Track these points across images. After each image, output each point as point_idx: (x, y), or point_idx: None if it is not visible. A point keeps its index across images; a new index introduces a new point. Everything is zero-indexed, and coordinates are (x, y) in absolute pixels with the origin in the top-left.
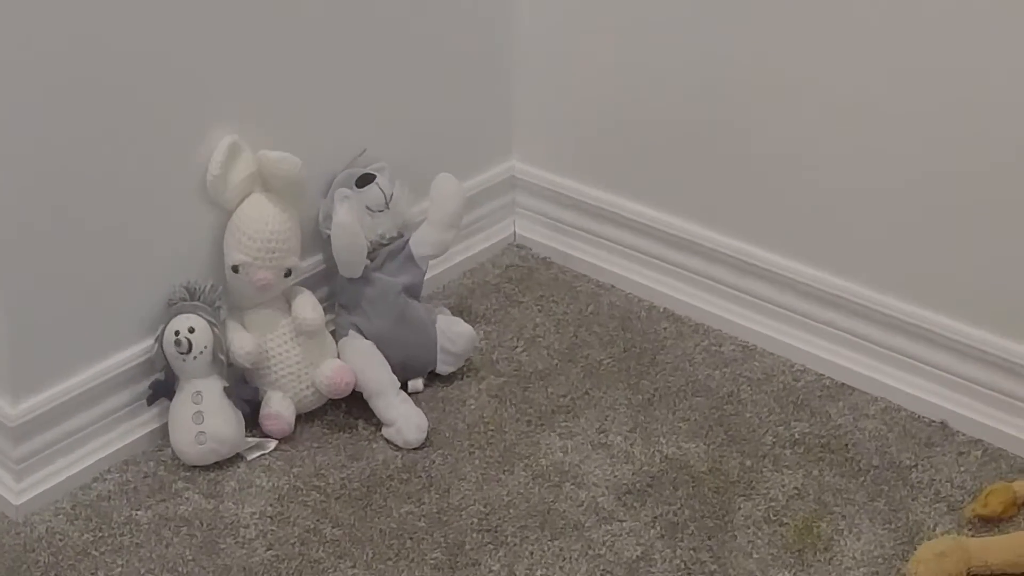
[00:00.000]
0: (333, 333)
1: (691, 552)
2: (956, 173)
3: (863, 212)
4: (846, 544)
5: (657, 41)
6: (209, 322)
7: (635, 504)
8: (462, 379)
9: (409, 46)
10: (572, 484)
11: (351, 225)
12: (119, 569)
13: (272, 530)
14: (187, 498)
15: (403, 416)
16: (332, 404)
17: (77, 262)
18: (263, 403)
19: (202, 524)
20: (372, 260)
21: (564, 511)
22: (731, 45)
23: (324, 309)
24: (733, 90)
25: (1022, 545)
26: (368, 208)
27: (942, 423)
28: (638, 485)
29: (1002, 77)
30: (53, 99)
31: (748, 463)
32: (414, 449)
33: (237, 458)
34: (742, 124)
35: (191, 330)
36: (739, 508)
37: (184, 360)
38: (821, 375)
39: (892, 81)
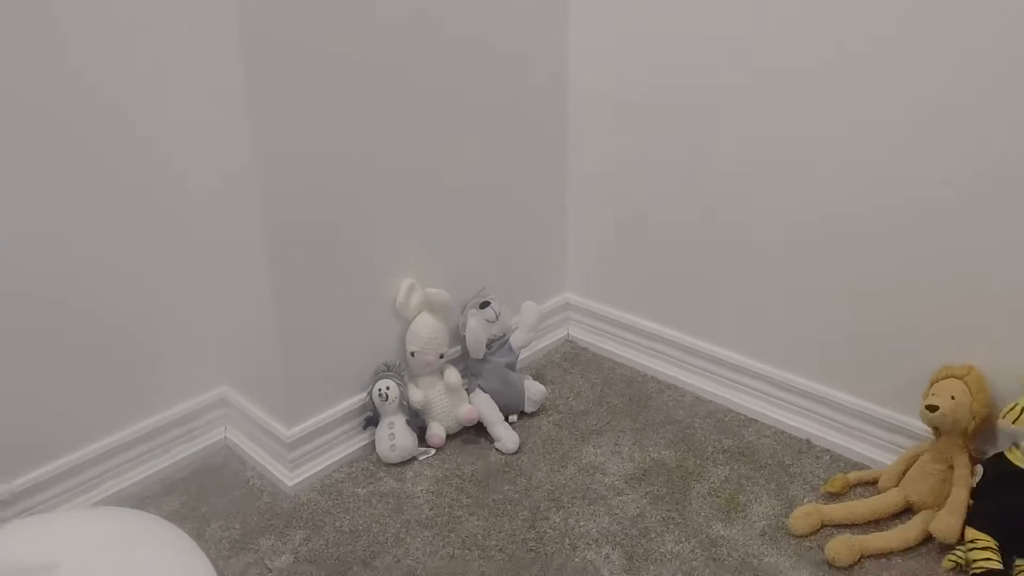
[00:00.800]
0: (467, 390)
1: (666, 512)
2: (817, 294)
3: (763, 318)
4: (753, 508)
5: (655, 230)
6: (397, 383)
7: (636, 485)
8: (539, 415)
9: (507, 224)
10: (600, 474)
11: (477, 330)
12: (347, 522)
13: (432, 499)
14: (385, 482)
15: (506, 436)
16: (466, 429)
17: (325, 347)
18: (427, 428)
19: (393, 496)
20: (489, 349)
21: (595, 489)
22: (701, 229)
23: (461, 375)
24: (694, 259)
25: (852, 509)
26: (486, 320)
27: (807, 440)
28: (637, 474)
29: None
30: (324, 261)
31: (698, 462)
32: (511, 454)
33: (413, 459)
34: (699, 276)
35: (388, 387)
36: (693, 488)
37: (384, 404)
38: (739, 413)
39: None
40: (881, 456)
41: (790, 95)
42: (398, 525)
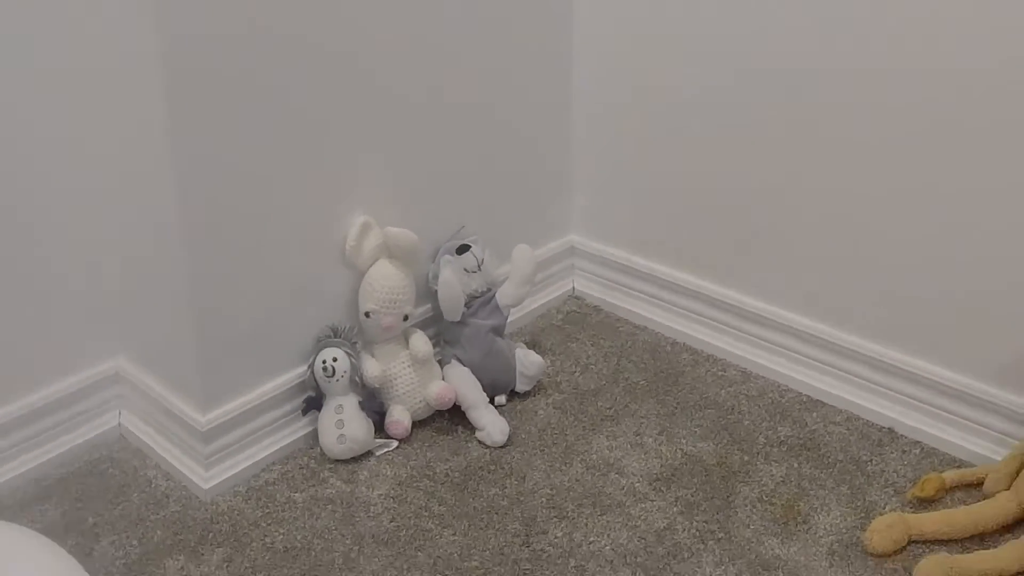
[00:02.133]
0: (439, 362)
1: (703, 524)
2: (894, 244)
3: (832, 275)
4: (819, 519)
5: (683, 150)
6: (348, 353)
7: (662, 488)
8: (534, 396)
9: (495, 145)
10: (616, 473)
11: (453, 283)
12: (281, 536)
13: (394, 507)
14: (331, 484)
15: (491, 423)
16: (439, 414)
17: (251, 309)
18: (387, 413)
19: (342, 503)
20: (468, 308)
21: (610, 493)
22: (740, 156)
23: (432, 344)
24: (738, 188)
25: (949, 520)
26: (465, 270)
27: (890, 429)
28: (664, 474)
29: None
30: (242, 189)
31: (746, 458)
32: (499, 447)
33: (368, 454)
34: (744, 212)
35: (335, 359)
36: (739, 491)
37: (329, 382)
38: (799, 393)
39: (863, 172)
40: (987, 450)
41: None
42: (349, 542)
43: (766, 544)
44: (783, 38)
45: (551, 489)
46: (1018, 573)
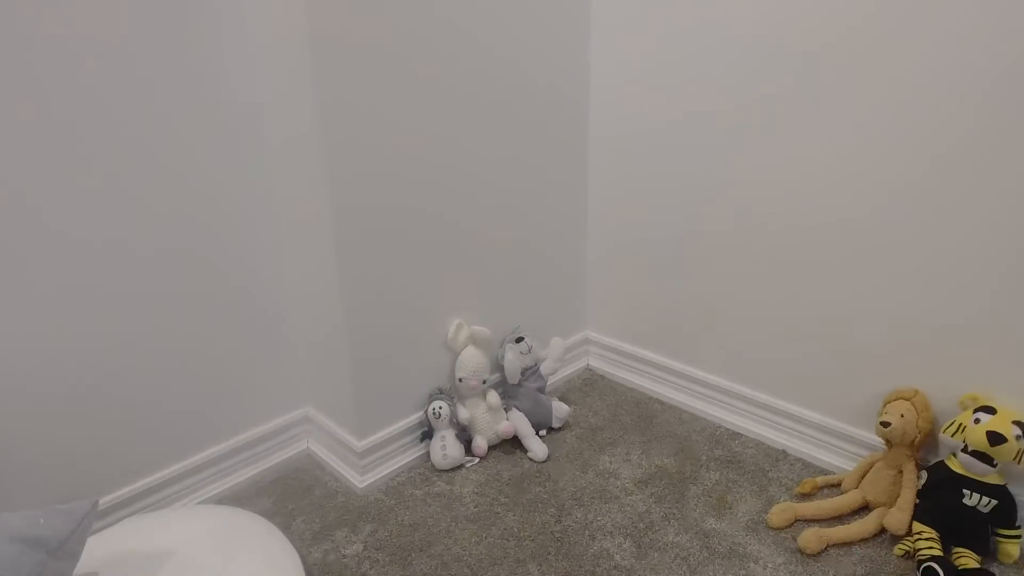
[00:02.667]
0: (505, 409)
1: (668, 509)
2: (799, 334)
3: (751, 349)
4: (740, 506)
5: (668, 280)
6: (448, 404)
7: (643, 487)
8: (564, 430)
9: (538, 275)
10: (614, 478)
11: (513, 361)
12: (407, 517)
13: (476, 499)
14: (438, 485)
15: (537, 447)
16: (505, 442)
17: (388, 375)
18: (473, 441)
19: (444, 496)
20: (522, 376)
21: (610, 490)
22: (698, 286)
23: (500, 398)
24: (694, 306)
25: (820, 506)
26: (520, 352)
27: (783, 451)
28: (644, 478)
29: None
30: (387, 303)
31: (694, 469)
32: (542, 462)
33: (461, 467)
34: (698, 318)
35: (440, 407)
36: (690, 489)
37: (437, 421)
38: (728, 428)
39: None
40: (843, 463)
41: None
42: (449, 520)
43: (707, 521)
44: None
45: (574, 488)
46: (862, 539)
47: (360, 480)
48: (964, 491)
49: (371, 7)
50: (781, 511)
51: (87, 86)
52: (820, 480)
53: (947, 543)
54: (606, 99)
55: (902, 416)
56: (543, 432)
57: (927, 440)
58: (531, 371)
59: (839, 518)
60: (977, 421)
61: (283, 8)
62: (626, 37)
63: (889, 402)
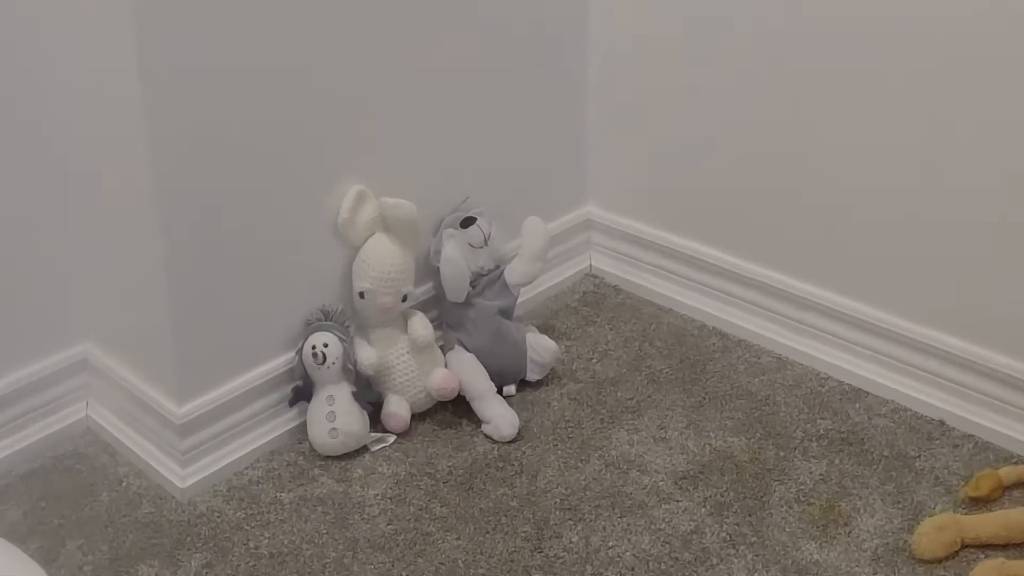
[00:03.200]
0: (441, 347)
1: (735, 527)
2: (950, 224)
3: (876, 247)
4: (862, 520)
5: (710, 112)
6: (340, 338)
7: (689, 487)
8: (547, 385)
9: (503, 111)
10: (637, 471)
11: (456, 259)
12: (266, 541)
13: (392, 508)
14: (322, 482)
15: (499, 415)
16: (441, 405)
17: (232, 289)
18: (384, 404)
19: (334, 504)
20: (473, 288)
21: (631, 493)
22: (777, 113)
23: (433, 328)
24: (772, 153)
25: (1007, 521)
26: (470, 245)
27: (940, 421)
28: (691, 472)
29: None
30: (222, 159)
31: (781, 454)
32: (508, 442)
33: (363, 450)
34: (779, 179)
35: (325, 345)
36: (774, 491)
37: (319, 369)
38: (841, 382)
39: (918, 127)
40: None
41: None
42: (341, 547)
43: (803, 549)
44: None
45: (565, 488)
46: None
47: (181, 475)
48: None
49: None
50: (938, 530)
51: None
52: (1008, 473)
53: None
54: None
55: None
56: (510, 389)
57: None
58: (489, 279)
59: None
60: None
61: None
62: None
63: None
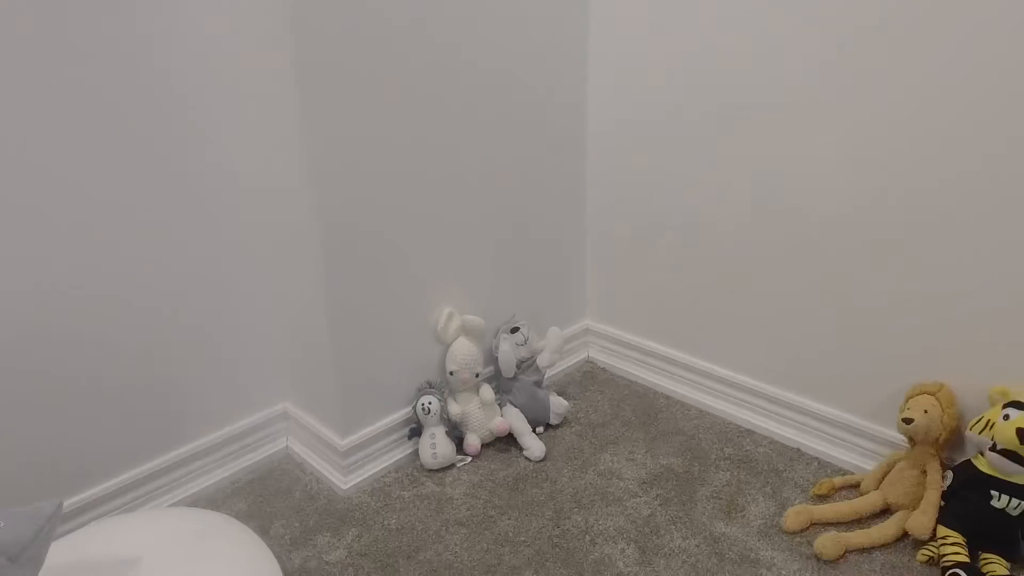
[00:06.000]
0: (499, 404)
1: (675, 512)
2: (808, 318)
3: (761, 341)
4: (751, 509)
5: (657, 268)
6: (438, 399)
7: (648, 488)
8: (562, 427)
9: (534, 262)
10: (617, 478)
11: (508, 352)
12: (394, 520)
13: (469, 501)
14: (427, 486)
15: (533, 445)
16: (499, 439)
17: (374, 368)
18: (465, 438)
19: (434, 498)
20: (518, 369)
21: (613, 491)
22: (704, 273)
23: (494, 392)
24: (696, 297)
25: (838, 509)
26: (516, 343)
27: (798, 449)
28: (649, 479)
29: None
30: (371, 295)
31: (702, 469)
32: (539, 462)
33: (452, 466)
34: (705, 309)
35: (430, 402)
36: (698, 491)
37: (426, 417)
38: (738, 425)
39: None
40: (863, 462)
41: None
42: (439, 524)
43: (716, 526)
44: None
45: (574, 489)
46: (883, 544)
47: (343, 481)
48: (992, 492)
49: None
50: (796, 514)
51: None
52: (838, 481)
53: (974, 548)
54: (602, 94)
55: (926, 412)
56: (540, 429)
57: (953, 438)
58: (527, 363)
59: (858, 521)
60: (1007, 417)
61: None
62: (625, 23)
63: (912, 397)
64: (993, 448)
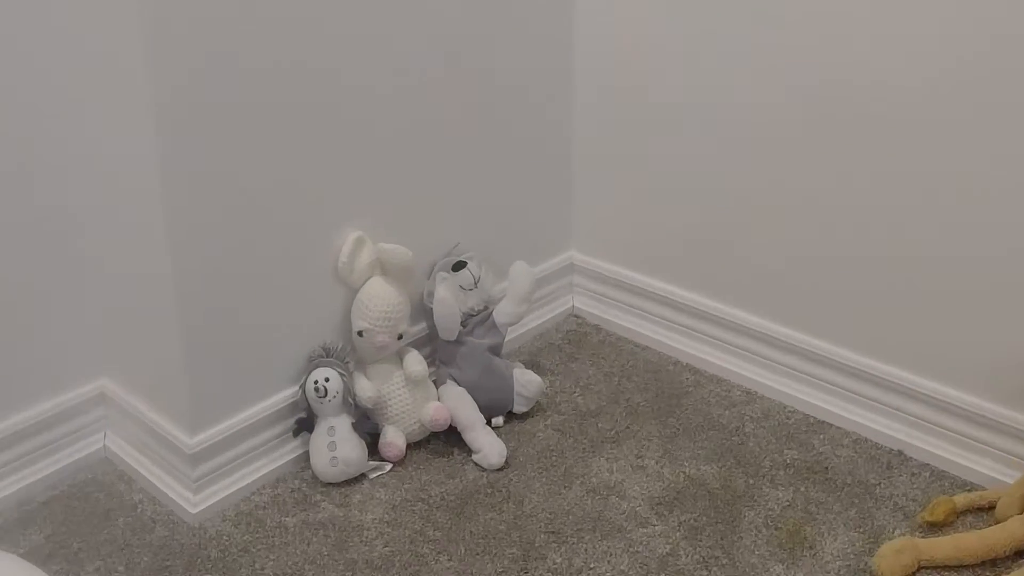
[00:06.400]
0: (434, 382)
1: (707, 550)
2: (903, 257)
3: (838, 287)
4: (826, 544)
5: (684, 164)
6: (340, 373)
7: (665, 512)
8: (533, 417)
9: (492, 160)
10: (616, 497)
11: (448, 301)
12: (271, 563)
13: (388, 532)
14: (323, 508)
15: (488, 445)
16: (434, 436)
17: (240, 328)
18: (381, 435)
19: (335, 527)
20: (464, 327)
21: (611, 517)
22: (746, 164)
23: (427, 364)
24: (740, 203)
25: (960, 544)
26: (461, 287)
27: (899, 452)
28: (667, 498)
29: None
30: (230, 206)
31: (751, 481)
32: (496, 470)
33: (361, 477)
34: (746, 227)
35: (327, 380)
36: (744, 516)
37: (321, 402)
38: (807, 415)
39: (868, 183)
40: (1000, 473)
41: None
42: (342, 568)
43: (772, 571)
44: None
45: (550, 513)
46: None
47: (192, 502)
48: None
49: None
50: (897, 553)
51: None
52: (961, 500)
53: None
54: None
55: None
56: (498, 421)
57: None
58: (479, 319)
59: (993, 563)
60: None
61: None
62: None
63: None
64: None
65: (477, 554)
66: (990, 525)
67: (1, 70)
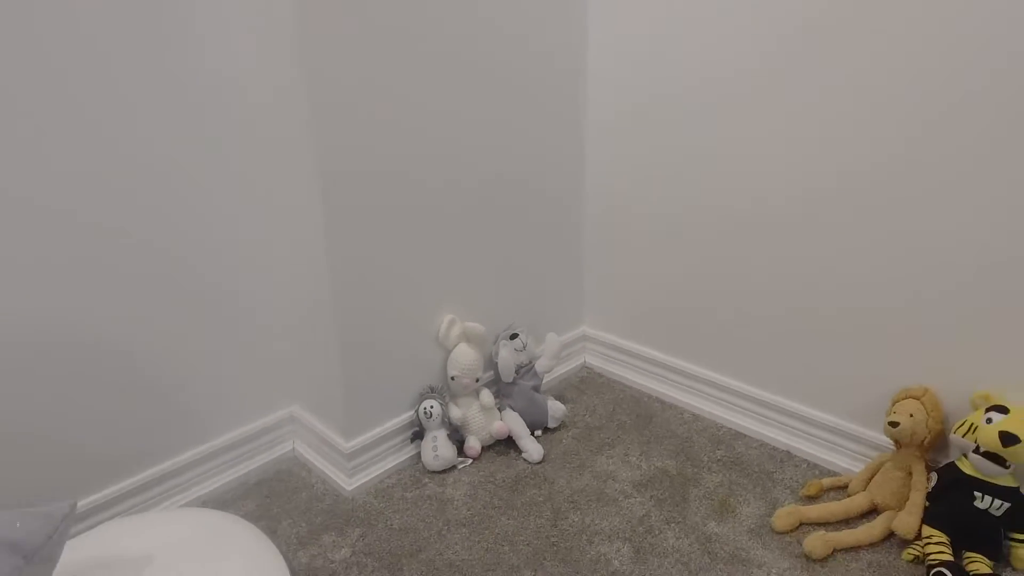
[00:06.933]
0: (498, 408)
1: (668, 513)
2: (794, 313)
3: (749, 343)
4: (743, 509)
5: (652, 275)
6: (440, 403)
7: (642, 489)
8: (560, 430)
9: (532, 267)
10: (612, 480)
11: (507, 358)
12: (397, 520)
13: (469, 502)
14: (428, 487)
15: (532, 447)
16: (498, 442)
17: (378, 373)
18: (465, 441)
19: (436, 499)
20: (516, 374)
21: (608, 492)
22: (699, 283)
23: (494, 397)
24: (691, 303)
25: (826, 510)
26: (515, 349)
27: (787, 452)
28: (643, 480)
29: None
30: (374, 296)
31: (695, 470)
32: (537, 464)
33: (453, 468)
34: (699, 315)
35: (432, 406)
36: (691, 492)
37: (428, 421)
38: (731, 428)
39: (768, 265)
40: (850, 464)
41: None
42: (440, 524)
43: (708, 526)
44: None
45: (571, 490)
46: (870, 543)
47: (348, 482)
48: (976, 494)
49: None
50: (786, 514)
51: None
52: (826, 482)
53: (958, 548)
54: (603, 76)
55: (911, 416)
56: (538, 432)
57: (937, 441)
58: (526, 369)
59: (846, 521)
60: (989, 421)
61: None
62: (624, 11)
63: (898, 401)
64: (976, 451)
65: (525, 515)
66: (845, 498)
67: (192, 163)
